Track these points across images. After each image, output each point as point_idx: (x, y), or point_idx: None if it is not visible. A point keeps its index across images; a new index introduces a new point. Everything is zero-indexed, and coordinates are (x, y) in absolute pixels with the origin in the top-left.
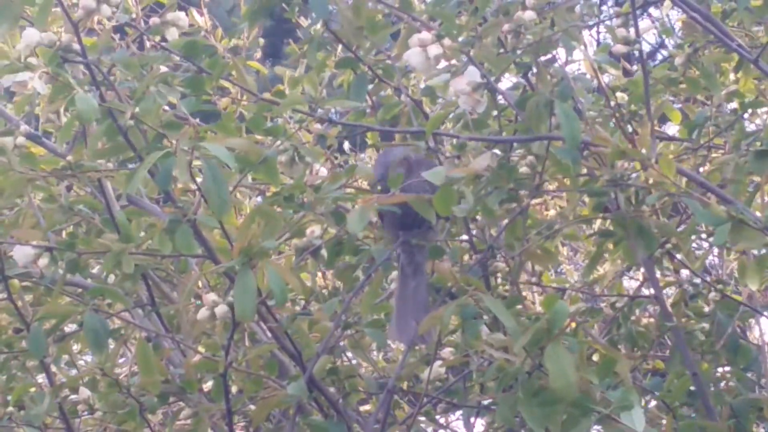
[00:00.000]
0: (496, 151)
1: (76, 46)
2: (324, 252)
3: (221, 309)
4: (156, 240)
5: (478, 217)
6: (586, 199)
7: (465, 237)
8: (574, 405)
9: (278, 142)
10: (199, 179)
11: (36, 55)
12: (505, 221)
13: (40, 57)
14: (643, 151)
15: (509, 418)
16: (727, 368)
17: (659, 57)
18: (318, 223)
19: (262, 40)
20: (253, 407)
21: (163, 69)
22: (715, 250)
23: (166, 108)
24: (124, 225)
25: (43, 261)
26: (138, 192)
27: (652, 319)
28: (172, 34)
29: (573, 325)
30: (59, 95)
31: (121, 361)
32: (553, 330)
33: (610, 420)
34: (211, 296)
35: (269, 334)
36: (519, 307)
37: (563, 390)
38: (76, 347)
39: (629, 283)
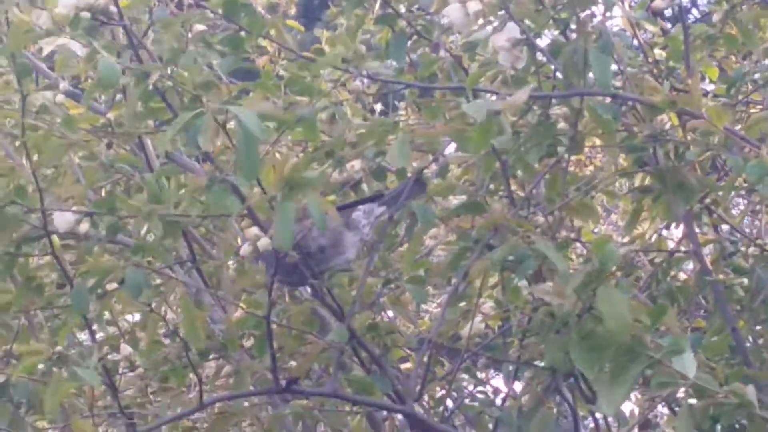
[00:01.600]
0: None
1: (113, 9)
2: (365, 186)
3: (264, 242)
4: (208, 199)
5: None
6: (624, 163)
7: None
8: (625, 350)
9: (315, 102)
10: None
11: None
12: (545, 176)
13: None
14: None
15: (557, 359)
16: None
17: (692, 15)
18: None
19: None
20: (294, 363)
21: (202, 28)
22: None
23: (205, 67)
24: (152, 187)
25: (84, 226)
26: (177, 150)
27: (687, 276)
28: None
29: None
30: (93, 59)
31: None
32: (604, 271)
33: (661, 365)
34: (254, 230)
35: (310, 291)
36: None
37: (619, 330)
38: (118, 307)
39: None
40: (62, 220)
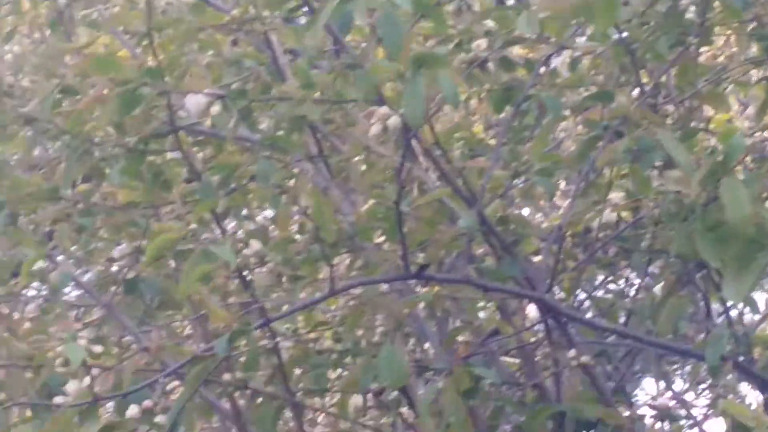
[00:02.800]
0: None
1: None
2: (491, 65)
3: (394, 120)
4: (337, 83)
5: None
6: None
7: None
8: (751, 241)
9: None
10: None
11: None
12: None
13: None
14: None
15: (685, 248)
16: None
17: None
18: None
19: None
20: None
21: None
22: None
23: None
24: (304, 72)
25: (216, 109)
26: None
27: None
28: None
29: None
30: None
31: None
32: (729, 162)
33: None
34: (383, 109)
35: (438, 184)
36: None
37: (738, 222)
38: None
39: None
40: (194, 102)
